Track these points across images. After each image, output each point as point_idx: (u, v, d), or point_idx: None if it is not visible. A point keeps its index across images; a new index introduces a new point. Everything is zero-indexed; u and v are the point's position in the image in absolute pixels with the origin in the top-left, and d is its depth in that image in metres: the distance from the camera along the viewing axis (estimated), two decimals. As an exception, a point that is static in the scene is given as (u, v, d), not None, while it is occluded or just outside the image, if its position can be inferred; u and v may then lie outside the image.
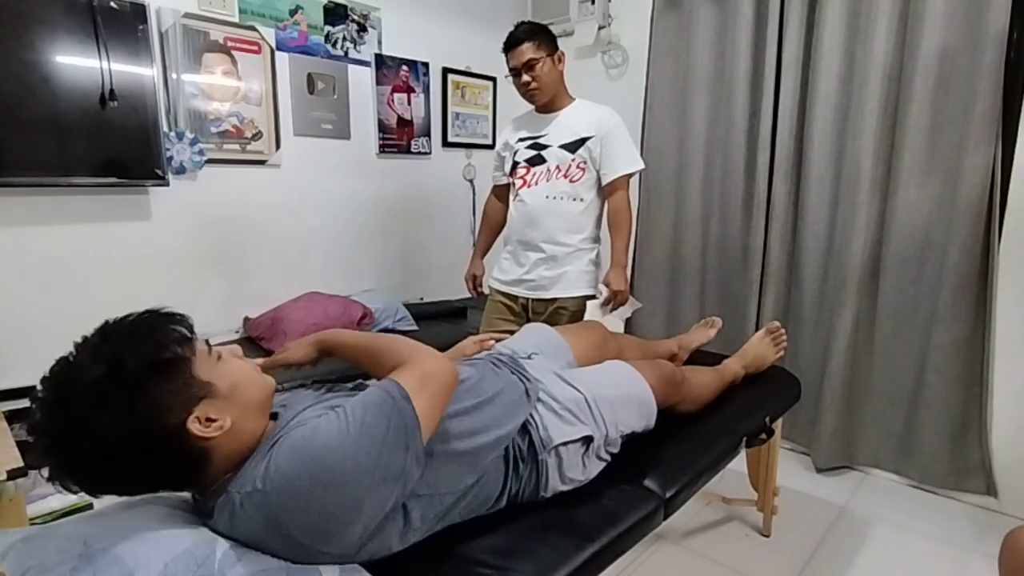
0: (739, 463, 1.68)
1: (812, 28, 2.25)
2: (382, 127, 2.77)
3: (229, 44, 2.22)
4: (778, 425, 1.73)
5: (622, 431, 1.26)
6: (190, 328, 0.82)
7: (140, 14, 1.93)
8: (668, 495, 1.22)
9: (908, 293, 2.12)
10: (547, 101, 1.94)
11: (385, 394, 0.84)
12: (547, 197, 1.93)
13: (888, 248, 2.13)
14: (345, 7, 2.57)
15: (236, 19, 2.24)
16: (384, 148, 2.80)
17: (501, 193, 2.16)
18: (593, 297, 1.98)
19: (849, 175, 2.18)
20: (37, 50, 1.74)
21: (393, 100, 2.79)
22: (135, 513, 0.81)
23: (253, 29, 2.29)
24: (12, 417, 1.44)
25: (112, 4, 1.86)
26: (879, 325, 2.19)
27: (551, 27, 1.97)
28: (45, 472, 0.74)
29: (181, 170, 2.14)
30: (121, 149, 1.94)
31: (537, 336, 1.49)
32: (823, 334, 2.32)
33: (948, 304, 2.00)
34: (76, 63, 1.81)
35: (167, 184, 2.07)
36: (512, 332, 1.58)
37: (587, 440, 1.18)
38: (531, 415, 1.14)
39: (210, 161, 2.21)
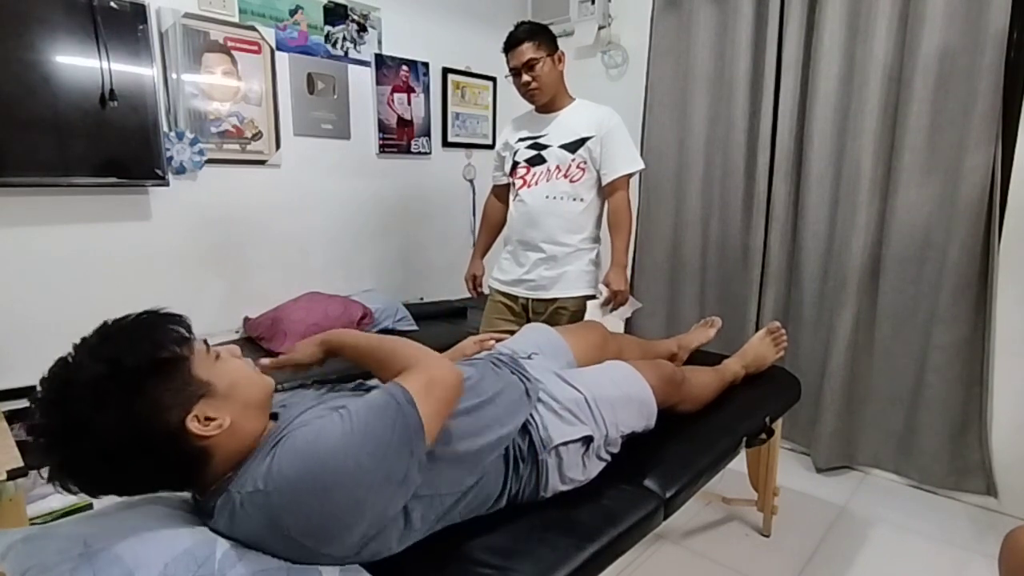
0: (739, 463, 1.68)
1: (812, 28, 2.25)
2: (382, 127, 2.77)
3: (229, 44, 2.22)
4: (778, 425, 1.73)
5: (622, 431, 1.26)
6: (188, 328, 0.82)
7: (140, 14, 1.93)
8: (668, 495, 1.22)
9: (908, 293, 2.12)
10: (547, 101, 1.94)
11: (390, 398, 0.84)
12: (547, 197, 1.93)
13: (888, 248, 2.13)
14: (345, 7, 2.57)
15: (236, 19, 2.24)
16: (384, 148, 2.80)
17: (501, 193, 2.16)
18: (593, 297, 1.98)
19: (849, 175, 2.18)
20: (37, 50, 1.74)
21: (393, 100, 2.79)
22: (135, 513, 0.81)
23: (253, 29, 2.29)
24: (12, 417, 1.44)
25: (112, 4, 1.86)
26: (879, 325, 2.19)
27: (551, 27, 1.96)
28: (45, 472, 0.74)
29: (181, 170, 2.14)
30: (121, 149, 1.94)
31: (537, 336, 1.50)
32: (823, 334, 2.32)
33: (948, 304, 2.00)
34: (76, 63, 1.81)
35: (167, 184, 2.07)
36: (512, 332, 1.58)
37: (587, 440, 1.18)
38: (531, 415, 1.14)
39: (210, 161, 2.21)
